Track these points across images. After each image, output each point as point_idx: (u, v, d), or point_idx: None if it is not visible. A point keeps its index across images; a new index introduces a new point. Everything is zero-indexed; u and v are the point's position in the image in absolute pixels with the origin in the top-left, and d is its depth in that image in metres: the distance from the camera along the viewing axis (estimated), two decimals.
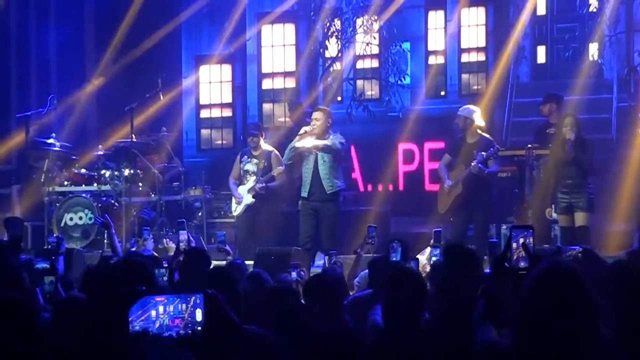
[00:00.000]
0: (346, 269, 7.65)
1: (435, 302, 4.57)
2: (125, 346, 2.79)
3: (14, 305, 3.48)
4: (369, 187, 13.31)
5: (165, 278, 5.26)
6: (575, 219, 9.43)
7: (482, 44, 14.79)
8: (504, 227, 10.12)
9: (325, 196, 9.95)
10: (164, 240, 8.85)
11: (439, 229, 7.54)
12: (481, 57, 14.82)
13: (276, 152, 10.70)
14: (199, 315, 3.01)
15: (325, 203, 9.98)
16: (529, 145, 10.58)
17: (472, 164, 9.56)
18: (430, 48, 14.99)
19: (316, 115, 10.14)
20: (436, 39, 14.96)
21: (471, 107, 10.26)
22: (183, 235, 7.46)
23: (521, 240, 3.85)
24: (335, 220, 10.00)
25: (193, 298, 2.97)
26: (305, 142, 9.96)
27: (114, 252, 7.77)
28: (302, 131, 10.13)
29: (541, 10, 14.69)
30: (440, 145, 12.85)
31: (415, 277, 4.68)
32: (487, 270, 5.43)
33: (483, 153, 9.60)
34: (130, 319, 3.04)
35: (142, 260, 5.28)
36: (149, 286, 4.16)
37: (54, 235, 9.51)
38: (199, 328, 2.87)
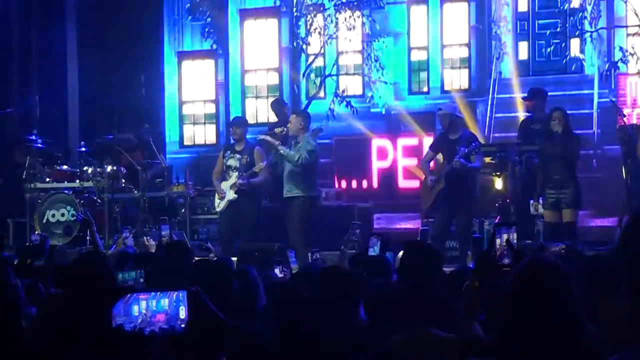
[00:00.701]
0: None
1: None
2: (108, 342, 2.80)
3: (2, 305, 3.47)
4: (353, 184, 13.32)
5: (142, 280, 5.22)
6: (562, 215, 9.43)
7: (465, 39, 14.83)
8: (487, 222, 10.15)
9: (285, 199, 10.14)
10: (145, 237, 8.80)
11: (426, 228, 7.57)
12: (464, 53, 14.86)
13: (259, 147, 10.72)
14: (182, 311, 3.02)
15: (286, 205, 10.15)
16: (518, 142, 10.65)
17: (456, 158, 9.59)
18: (412, 44, 15.02)
19: (291, 117, 10.39)
20: (418, 35, 14.99)
21: (453, 103, 10.32)
22: (165, 231, 7.46)
23: (505, 237, 3.87)
24: (297, 223, 10.00)
25: (175, 294, 2.97)
26: (268, 139, 10.15)
27: (96, 249, 7.74)
28: (277, 130, 10.29)
29: (523, 7, 14.74)
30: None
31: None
32: (470, 265, 5.47)
33: (465, 149, 9.63)
34: (112, 314, 3.05)
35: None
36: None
37: (37, 232, 9.51)
38: (182, 324, 2.87)
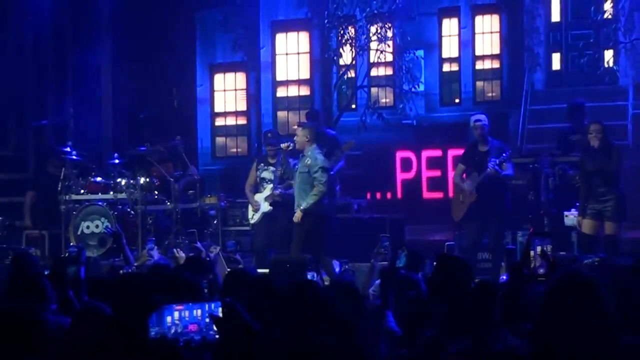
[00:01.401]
0: (360, 277, 7.67)
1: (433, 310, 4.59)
2: (145, 353, 2.81)
3: (22, 316, 3.49)
4: (388, 195, 13.34)
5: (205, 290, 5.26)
6: (605, 227, 9.32)
7: (497, 51, 14.79)
8: (520, 234, 10.09)
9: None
10: (174, 250, 8.81)
11: (452, 242, 7.54)
12: (495, 64, 14.82)
13: (293, 159, 10.75)
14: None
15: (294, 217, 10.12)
16: (554, 152, 10.61)
17: (489, 166, 9.58)
18: (444, 55, 15.01)
19: (297, 131, 10.40)
20: (450, 47, 14.97)
21: (482, 115, 10.30)
22: (215, 249, 7.50)
23: (539, 248, 3.85)
24: (304, 237, 10.00)
25: (209, 305, 2.99)
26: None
27: (127, 261, 7.78)
28: (283, 145, 10.38)
29: (555, 17, 14.67)
30: (455, 152, 12.88)
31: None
32: (504, 276, 5.44)
33: (496, 159, 9.61)
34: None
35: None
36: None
37: (73, 244, 9.57)
38: (215, 335, 2.88)
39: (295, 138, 10.35)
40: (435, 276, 4.73)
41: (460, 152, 10.82)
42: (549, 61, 14.60)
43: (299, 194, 10.11)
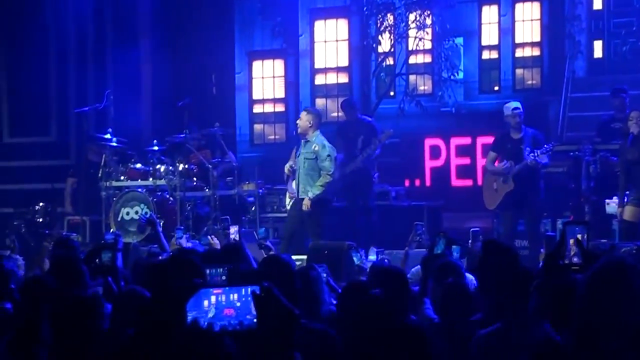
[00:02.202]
0: (396, 264, 7.65)
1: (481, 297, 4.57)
2: (185, 338, 2.82)
3: (82, 306, 3.54)
4: (427, 182, 13.30)
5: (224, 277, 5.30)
6: None
7: (537, 38, 14.64)
8: (560, 222, 10.04)
9: (301, 199, 10.32)
10: (208, 237, 8.84)
11: (477, 229, 7.52)
12: (536, 52, 14.68)
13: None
14: (252, 307, 3.02)
15: (299, 204, 10.32)
16: (584, 141, 10.50)
17: (529, 157, 9.53)
18: (484, 43, 14.89)
19: (301, 115, 10.58)
20: (490, 34, 14.85)
21: (518, 102, 10.24)
22: (234, 229, 7.53)
23: (578, 237, 3.81)
24: (313, 223, 10.23)
25: (245, 289, 2.99)
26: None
27: (162, 248, 7.83)
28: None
29: (597, 5, 14.48)
30: (484, 140, 12.80)
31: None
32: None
33: (537, 150, 9.55)
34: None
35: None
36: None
37: (111, 231, 9.66)
38: (253, 320, 2.89)
39: (298, 122, 10.43)
40: (483, 263, 4.70)
41: (490, 140, 10.74)
42: (591, 49, 14.42)
43: (305, 180, 10.20)
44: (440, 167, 13.32)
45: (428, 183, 13.29)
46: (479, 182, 11.95)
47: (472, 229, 7.40)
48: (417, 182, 13.37)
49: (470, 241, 7.35)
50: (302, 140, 10.41)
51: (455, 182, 13.14)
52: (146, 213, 10.89)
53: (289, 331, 2.58)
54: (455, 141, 13.25)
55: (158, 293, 4.10)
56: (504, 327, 4.04)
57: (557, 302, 3.77)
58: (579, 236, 3.81)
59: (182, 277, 4.00)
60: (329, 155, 10.17)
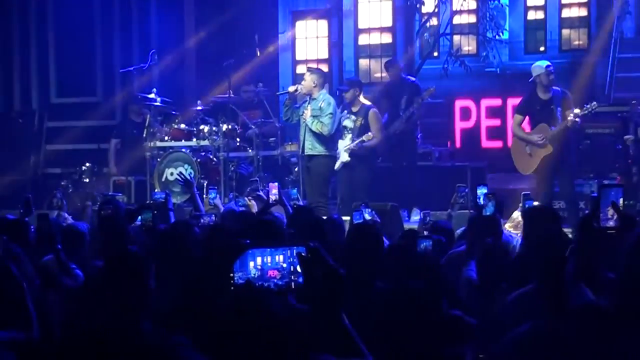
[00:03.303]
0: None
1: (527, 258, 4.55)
2: (231, 298, 2.87)
3: (134, 260, 3.61)
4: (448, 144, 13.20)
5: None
6: None
7: None
8: (607, 182, 9.92)
9: (306, 156, 10.49)
10: (245, 199, 8.87)
11: (528, 192, 7.45)
12: (583, 12, 14.45)
13: (375, 109, 10.73)
14: (298, 267, 3.05)
15: (310, 162, 10.48)
16: (634, 102, 10.32)
17: (570, 118, 9.38)
18: (529, 3, 14.69)
19: (304, 76, 10.68)
20: None
21: (546, 61, 10.06)
22: (274, 188, 7.57)
23: (614, 201, 3.77)
24: (320, 179, 10.43)
25: (291, 250, 3.01)
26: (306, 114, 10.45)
27: (196, 209, 7.90)
28: (291, 89, 10.67)
29: None
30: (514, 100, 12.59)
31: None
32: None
33: (577, 110, 9.39)
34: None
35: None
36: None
37: (159, 191, 9.74)
38: (298, 280, 2.92)
39: (302, 83, 10.48)
40: (528, 229, 4.68)
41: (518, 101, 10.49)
42: (639, 9, 14.16)
43: (311, 137, 10.27)
44: (471, 129, 13.15)
45: (458, 145, 13.12)
46: (509, 144, 11.90)
47: (523, 192, 7.34)
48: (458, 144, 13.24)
49: (520, 204, 7.30)
50: (308, 99, 10.47)
51: (486, 143, 12.98)
52: (181, 174, 10.96)
53: (336, 292, 2.60)
54: (485, 102, 13.09)
55: (210, 251, 4.17)
56: (537, 288, 4.03)
57: (594, 265, 3.75)
58: (615, 199, 3.76)
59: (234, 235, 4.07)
60: (331, 114, 10.32)
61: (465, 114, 13.09)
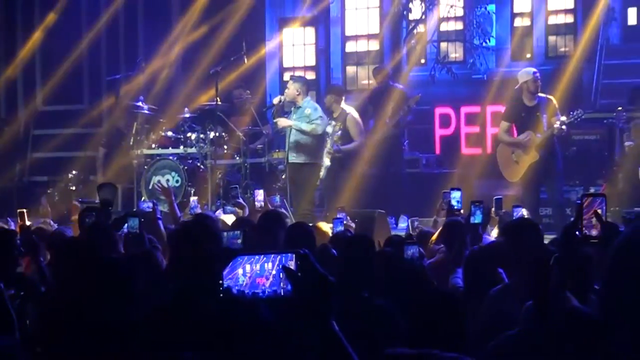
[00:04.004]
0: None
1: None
2: (219, 304, 2.86)
3: (116, 268, 3.60)
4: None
5: (239, 240, 5.32)
6: None
7: (570, 5, 14.47)
8: (593, 190, 9.96)
9: (290, 164, 10.50)
10: (239, 199, 8.85)
11: (500, 197, 7.48)
12: (569, 18, 14.52)
13: (353, 114, 10.77)
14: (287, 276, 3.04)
15: (294, 170, 10.50)
16: (619, 108, 10.37)
17: (556, 126, 9.41)
18: (516, 10, 14.75)
19: (288, 84, 10.71)
20: (522, 1, 14.70)
21: (532, 68, 10.11)
22: (259, 195, 7.57)
23: (597, 210, 3.76)
24: (305, 187, 10.40)
25: (280, 257, 3.01)
26: (283, 122, 10.51)
27: (172, 217, 7.86)
28: (275, 101, 10.74)
29: None
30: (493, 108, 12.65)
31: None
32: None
33: (564, 117, 9.43)
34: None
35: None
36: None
37: (146, 200, 9.71)
38: (287, 288, 2.91)
39: (285, 92, 10.51)
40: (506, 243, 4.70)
41: (498, 108, 10.55)
42: (625, 16, 14.23)
43: (295, 145, 10.26)
44: (450, 136, 13.22)
45: (437, 152, 13.16)
46: (489, 151, 11.96)
47: (495, 197, 7.37)
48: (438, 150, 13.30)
49: (493, 209, 7.32)
50: (293, 108, 10.47)
51: (466, 150, 13.04)
52: (159, 182, 10.91)
53: (326, 300, 2.59)
54: (465, 109, 13.17)
55: (187, 257, 4.15)
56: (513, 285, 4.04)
57: (575, 274, 3.75)
58: (599, 210, 3.76)
59: (200, 242, 4.06)
60: (320, 117, 10.31)
61: (445, 121, 13.16)
